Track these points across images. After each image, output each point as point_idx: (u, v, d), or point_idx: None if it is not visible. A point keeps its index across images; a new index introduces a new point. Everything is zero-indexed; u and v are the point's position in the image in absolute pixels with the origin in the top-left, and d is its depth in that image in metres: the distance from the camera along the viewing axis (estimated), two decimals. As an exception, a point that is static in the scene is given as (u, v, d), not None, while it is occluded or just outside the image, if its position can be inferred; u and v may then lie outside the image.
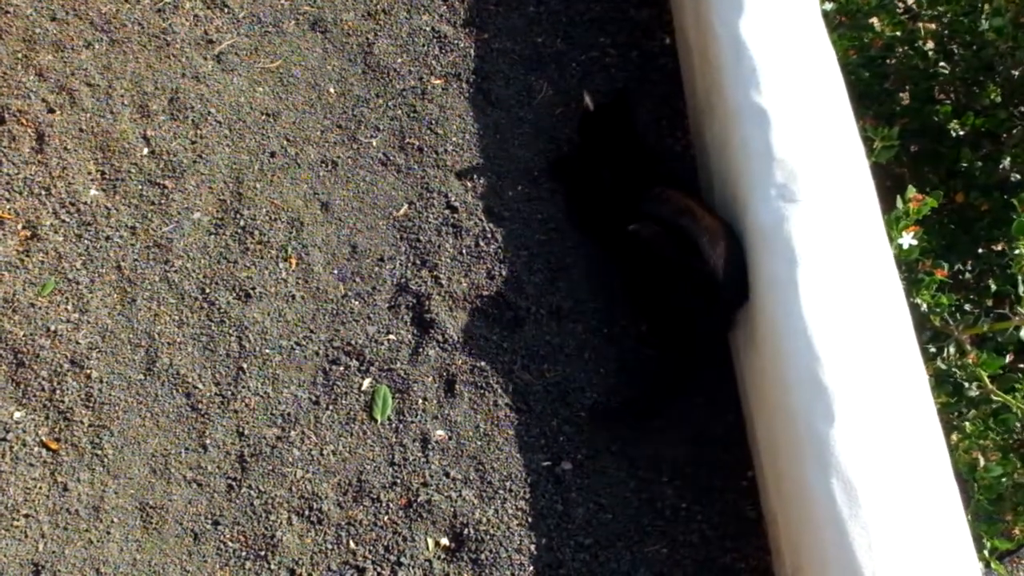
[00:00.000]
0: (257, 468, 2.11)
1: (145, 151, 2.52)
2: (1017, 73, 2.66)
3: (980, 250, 2.81)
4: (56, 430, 2.12)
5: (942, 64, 2.78)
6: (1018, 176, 2.86)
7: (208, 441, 2.14)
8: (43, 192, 2.42)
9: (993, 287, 2.79)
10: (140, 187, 2.46)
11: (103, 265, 2.34)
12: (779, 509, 1.96)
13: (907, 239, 2.28)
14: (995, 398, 2.32)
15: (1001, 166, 2.84)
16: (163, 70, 2.66)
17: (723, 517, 2.11)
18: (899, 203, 2.35)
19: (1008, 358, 2.45)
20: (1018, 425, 2.29)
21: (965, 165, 2.82)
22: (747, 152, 2.20)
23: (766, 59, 2.25)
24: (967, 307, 2.65)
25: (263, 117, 2.62)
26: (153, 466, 2.10)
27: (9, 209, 2.39)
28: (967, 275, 2.88)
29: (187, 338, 2.26)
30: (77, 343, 2.23)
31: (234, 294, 2.33)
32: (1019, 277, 2.39)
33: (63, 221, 2.39)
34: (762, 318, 2.06)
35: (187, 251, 2.38)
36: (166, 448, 2.13)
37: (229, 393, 2.20)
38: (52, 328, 2.24)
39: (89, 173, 2.47)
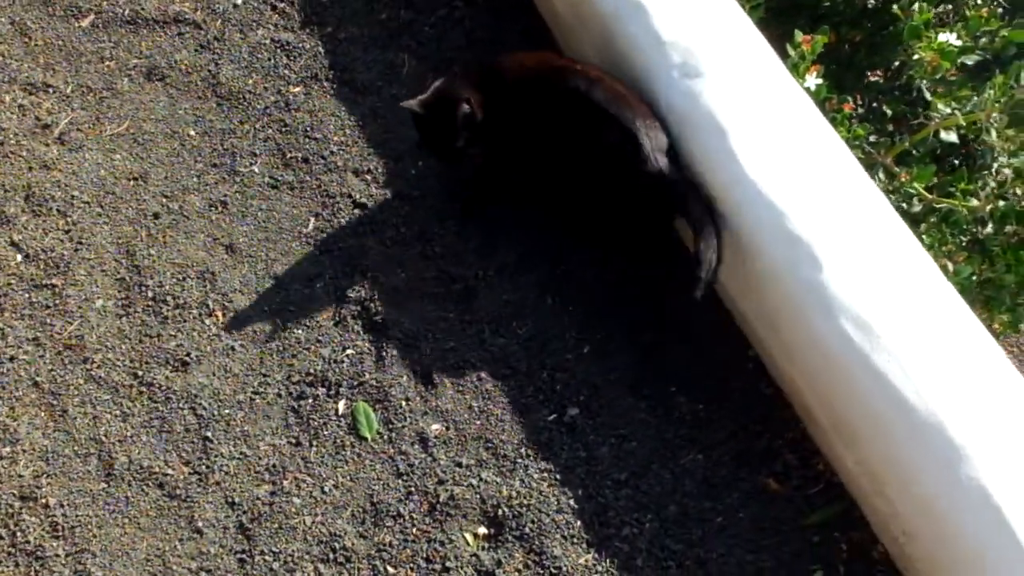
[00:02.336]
0: (262, 531, 1.95)
1: (18, 258, 2.30)
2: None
3: (866, 81, 2.84)
4: (32, 574, 1.91)
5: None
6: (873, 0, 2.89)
7: (200, 524, 1.96)
8: (-78, 336, 2.17)
9: (889, 112, 2.83)
10: (27, 295, 2.24)
11: (17, 388, 2.12)
12: (796, 373, 1.91)
13: (812, 80, 2.27)
14: (938, 205, 2.33)
15: (858, -5, 2.86)
16: (6, 171, 2.43)
17: (742, 404, 2.06)
18: (790, 49, 2.34)
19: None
20: (970, 221, 2.31)
21: (827, 4, 2.85)
22: (637, 47, 2.15)
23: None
24: (871, 138, 2.67)
25: (131, 183, 2.43)
26: (152, 571, 1.91)
27: None
28: (859, 109, 2.91)
29: (137, 429, 2.07)
30: (20, 476, 2.01)
31: (170, 367, 2.15)
32: (922, 83, 2.41)
33: (-44, 358, 2.15)
34: (715, 197, 2.00)
35: (103, 342, 2.18)
36: (159, 547, 1.94)
37: (203, 468, 2.02)
38: (-13, 470, 2.01)
39: (-34, 300, 2.23)
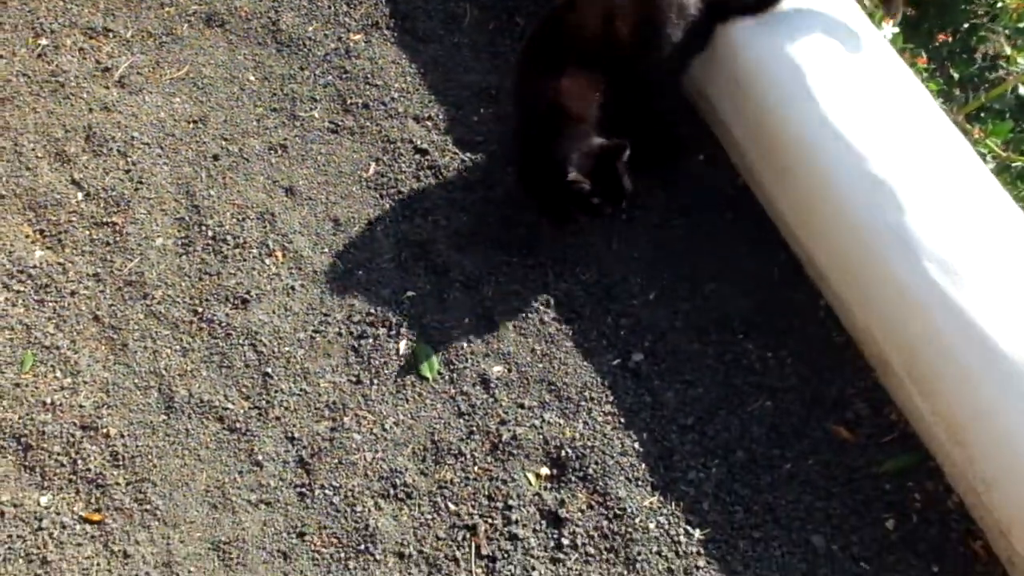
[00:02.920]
0: (323, 466, 1.93)
1: (79, 196, 2.29)
2: None
3: (936, 43, 2.78)
4: (93, 501, 1.90)
5: None
6: (944, -37, 2.83)
7: (260, 457, 1.94)
8: (-16, 270, 2.17)
9: (956, 75, 2.76)
10: (88, 232, 2.24)
11: (78, 321, 2.11)
12: (872, 320, 1.87)
13: (888, 29, 2.22)
14: (1015, 163, 2.28)
15: (929, -45, 2.80)
16: (67, 112, 2.43)
17: (812, 351, 2.01)
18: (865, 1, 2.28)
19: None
20: (1046, 179, 2.25)
21: (897, -38, 2.78)
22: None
23: None
24: (939, 101, 2.61)
25: (191, 125, 2.42)
26: (211, 502, 1.90)
27: (-47, 298, 2.14)
28: (924, 73, 2.84)
29: (198, 363, 2.06)
30: (81, 406, 2.00)
31: (230, 304, 2.13)
32: (1003, 35, 2.35)
33: (18, 292, 2.15)
34: (787, 142, 1.96)
35: (163, 279, 2.17)
36: (218, 479, 1.92)
37: (263, 403, 2.01)
38: (48, 400, 2.01)
39: (28, 236, 2.23)
